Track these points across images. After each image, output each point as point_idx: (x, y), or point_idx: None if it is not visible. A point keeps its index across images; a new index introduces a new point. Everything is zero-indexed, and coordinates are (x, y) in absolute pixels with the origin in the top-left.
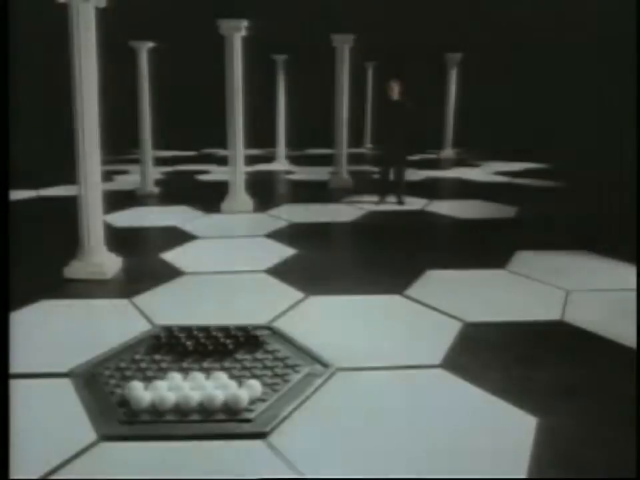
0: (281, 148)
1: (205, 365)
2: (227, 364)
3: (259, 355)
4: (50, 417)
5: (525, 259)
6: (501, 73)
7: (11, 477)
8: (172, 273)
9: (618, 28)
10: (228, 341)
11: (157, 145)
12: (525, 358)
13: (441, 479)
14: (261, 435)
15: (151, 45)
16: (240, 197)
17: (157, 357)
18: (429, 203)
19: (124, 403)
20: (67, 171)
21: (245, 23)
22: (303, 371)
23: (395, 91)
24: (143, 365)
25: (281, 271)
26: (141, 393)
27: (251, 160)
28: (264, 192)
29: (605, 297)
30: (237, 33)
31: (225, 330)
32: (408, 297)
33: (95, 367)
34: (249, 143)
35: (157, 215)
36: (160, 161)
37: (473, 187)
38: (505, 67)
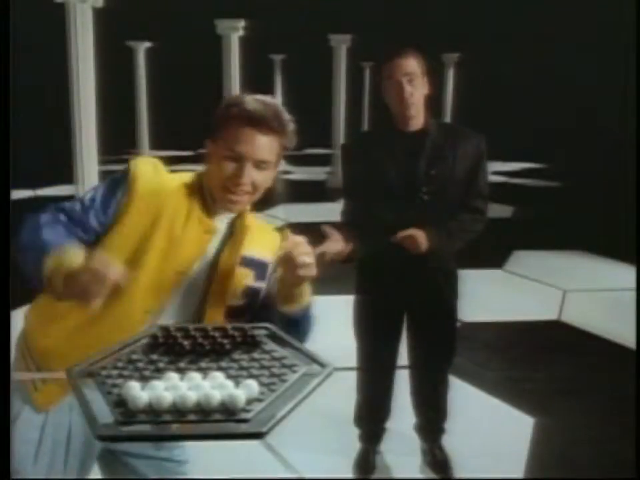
0: None
1: (202, 364)
2: (223, 364)
3: (256, 355)
4: None
5: (521, 259)
6: (499, 72)
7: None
8: None
9: (618, 27)
10: (225, 341)
11: (154, 145)
12: (521, 358)
13: (439, 479)
14: (258, 435)
15: (148, 44)
16: None
17: (154, 356)
18: None
19: (121, 403)
20: (65, 171)
21: (242, 23)
22: (301, 370)
23: None
24: (140, 364)
25: None
26: (138, 392)
27: None
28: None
29: (601, 297)
30: (234, 32)
31: (222, 330)
32: None
33: (92, 367)
34: None
35: None
36: None
37: None
38: (504, 66)
